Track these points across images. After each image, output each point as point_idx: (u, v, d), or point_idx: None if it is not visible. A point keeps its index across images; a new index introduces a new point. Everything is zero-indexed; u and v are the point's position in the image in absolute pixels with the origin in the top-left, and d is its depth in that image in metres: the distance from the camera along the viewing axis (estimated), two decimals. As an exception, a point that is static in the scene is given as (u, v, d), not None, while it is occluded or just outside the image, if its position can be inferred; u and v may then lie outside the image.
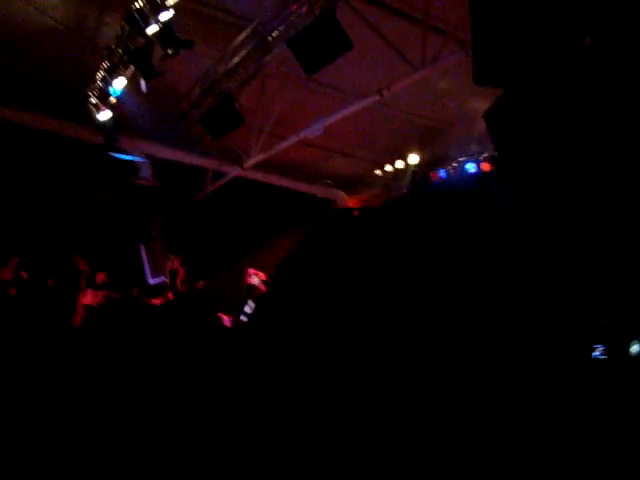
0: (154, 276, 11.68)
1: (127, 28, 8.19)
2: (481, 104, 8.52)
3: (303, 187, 14.00)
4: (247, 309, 7.05)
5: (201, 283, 10.66)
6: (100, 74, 9.22)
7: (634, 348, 4.89)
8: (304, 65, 7.32)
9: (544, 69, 3.86)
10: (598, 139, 3.63)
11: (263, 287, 9.28)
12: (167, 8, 7.04)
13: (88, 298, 9.43)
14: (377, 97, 8.19)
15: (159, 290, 10.67)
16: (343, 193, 14.51)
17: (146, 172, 12.62)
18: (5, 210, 11.19)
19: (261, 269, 11.70)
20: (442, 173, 11.86)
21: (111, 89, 9.09)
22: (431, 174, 12.11)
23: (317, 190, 14.28)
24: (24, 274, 8.73)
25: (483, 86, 5.19)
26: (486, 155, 10.70)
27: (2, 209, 11.18)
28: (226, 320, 5.58)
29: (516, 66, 4.02)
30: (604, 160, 3.52)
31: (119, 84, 8.96)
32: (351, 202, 11.75)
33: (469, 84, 5.38)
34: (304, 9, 7.68)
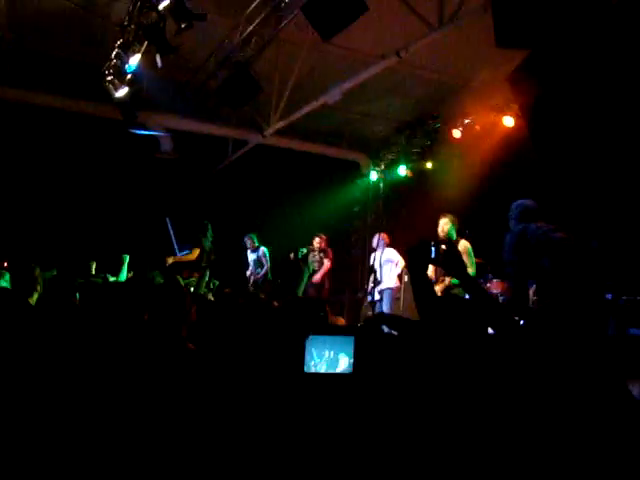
0: (181, 249, 11.77)
1: (138, 3, 8.10)
2: (502, 56, 8.36)
3: (325, 150, 13.90)
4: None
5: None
6: (115, 51, 9.15)
7: None
8: (319, 31, 7.18)
9: (568, 30, 3.75)
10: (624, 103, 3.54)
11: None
12: (178, -18, 6.93)
13: None
14: (395, 59, 8.05)
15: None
16: (366, 155, 14.43)
17: (167, 146, 12.62)
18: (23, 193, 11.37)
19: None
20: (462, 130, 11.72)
21: (127, 65, 9.02)
22: (452, 131, 11.95)
23: (340, 153, 14.19)
24: None
25: (505, 48, 5.07)
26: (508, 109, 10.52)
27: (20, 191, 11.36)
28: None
29: (539, 27, 3.92)
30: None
31: (134, 60, 8.88)
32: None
33: (489, 35, 5.24)
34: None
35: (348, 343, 2.42)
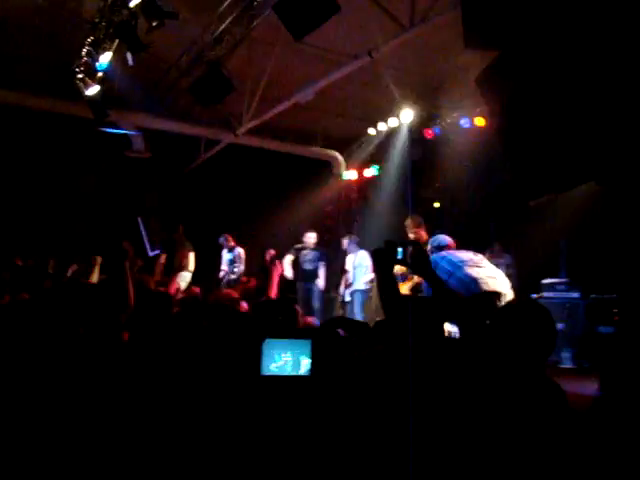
0: (153, 249, 11.70)
1: (109, 1, 8.04)
2: (473, 57, 8.42)
3: (298, 150, 13.88)
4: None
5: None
6: (85, 49, 9.06)
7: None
8: (291, 30, 7.18)
9: (537, 31, 3.78)
10: (593, 101, 3.58)
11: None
12: (149, -21, 6.88)
13: None
14: (367, 59, 8.08)
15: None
16: (338, 154, 14.44)
17: (138, 144, 12.54)
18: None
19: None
20: (436, 130, 11.79)
21: (97, 64, 8.94)
22: (425, 130, 12.02)
23: (312, 152, 14.18)
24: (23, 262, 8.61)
25: (474, 49, 5.10)
26: (480, 109, 10.59)
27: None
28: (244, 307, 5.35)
29: (507, 29, 3.94)
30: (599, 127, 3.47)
31: (105, 58, 8.81)
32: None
33: (461, 37, 5.27)
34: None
35: (306, 346, 2.43)
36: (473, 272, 5.74)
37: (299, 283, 11.44)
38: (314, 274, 11.33)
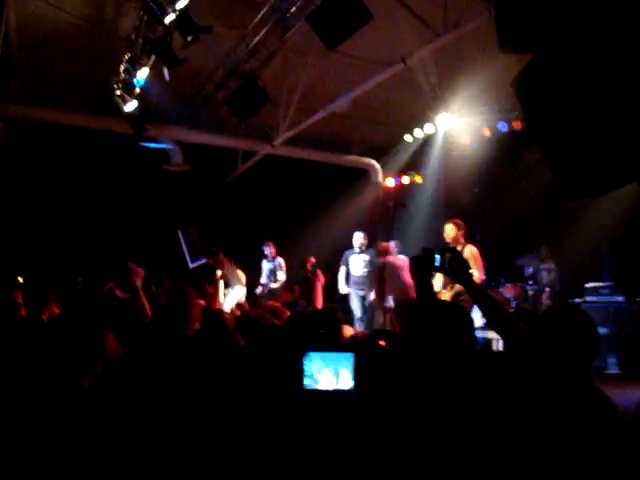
0: (193, 261, 11.78)
1: (145, 18, 8.17)
2: (508, 60, 8.34)
3: (335, 159, 13.89)
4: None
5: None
6: (123, 65, 9.23)
7: None
8: (324, 40, 7.19)
9: (572, 32, 3.72)
10: (629, 103, 3.50)
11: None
12: (182, -4, 6.98)
13: None
14: (401, 66, 8.07)
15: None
16: (375, 162, 14.40)
17: (177, 158, 12.66)
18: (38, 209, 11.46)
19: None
20: (473, 134, 11.67)
21: (135, 80, 9.09)
22: (462, 135, 11.92)
23: (349, 161, 14.16)
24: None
25: (508, 54, 5.04)
26: (517, 113, 10.46)
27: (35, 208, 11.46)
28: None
29: (542, 31, 3.89)
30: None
31: (142, 74, 8.96)
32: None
33: (495, 41, 5.21)
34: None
35: (348, 359, 2.40)
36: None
37: (351, 290, 10.80)
38: (364, 280, 10.66)
